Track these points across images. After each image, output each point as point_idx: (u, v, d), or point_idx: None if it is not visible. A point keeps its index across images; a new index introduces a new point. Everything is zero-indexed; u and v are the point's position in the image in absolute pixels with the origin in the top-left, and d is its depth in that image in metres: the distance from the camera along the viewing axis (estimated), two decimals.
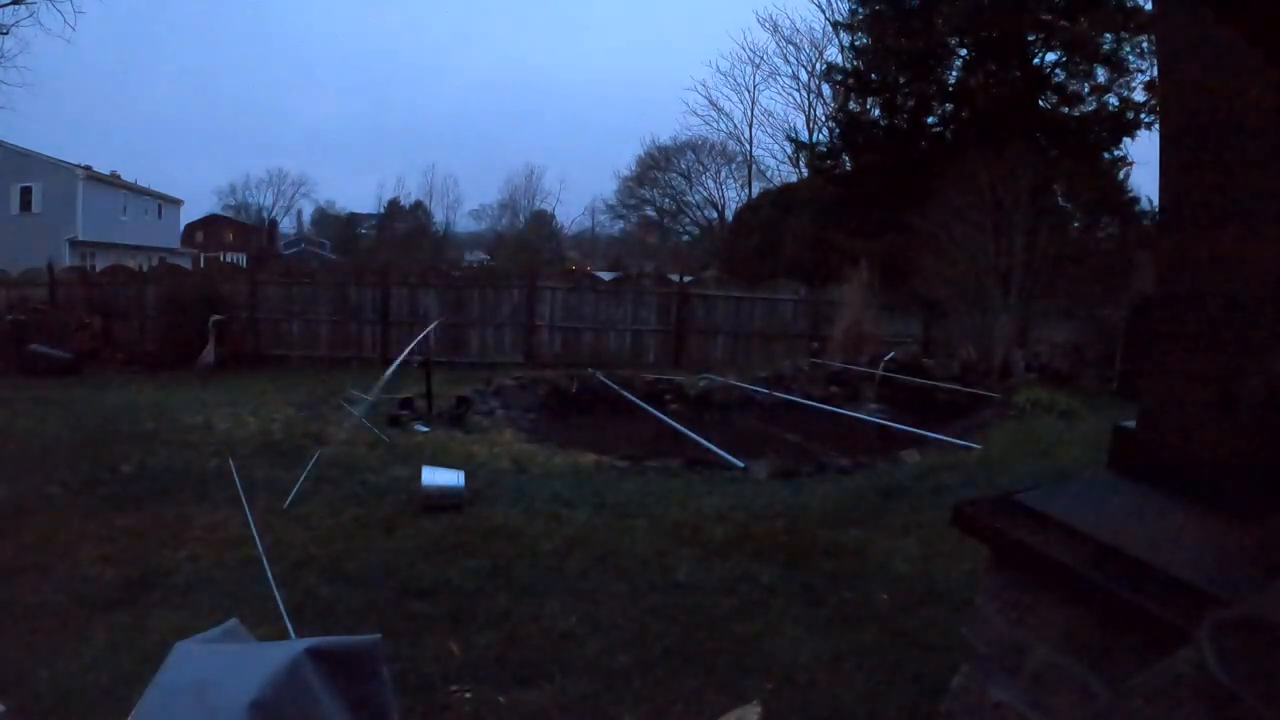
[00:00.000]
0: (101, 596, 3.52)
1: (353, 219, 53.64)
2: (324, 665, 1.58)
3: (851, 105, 18.46)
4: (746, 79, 36.37)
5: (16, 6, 11.92)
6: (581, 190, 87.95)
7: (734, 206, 31.66)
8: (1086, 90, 16.12)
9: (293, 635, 3.00)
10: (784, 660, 2.94)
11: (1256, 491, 1.44)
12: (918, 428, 7.72)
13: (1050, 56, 16.42)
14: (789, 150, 27.27)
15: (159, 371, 12.33)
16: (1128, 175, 15.99)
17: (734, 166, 34.15)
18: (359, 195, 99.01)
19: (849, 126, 18.30)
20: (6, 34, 12.15)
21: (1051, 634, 1.60)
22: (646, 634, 3.16)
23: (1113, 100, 15.92)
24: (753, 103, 31.89)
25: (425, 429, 7.23)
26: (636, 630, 3.19)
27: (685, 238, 38.82)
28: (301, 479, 5.31)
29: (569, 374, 11.04)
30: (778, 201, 21.74)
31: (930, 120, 17.52)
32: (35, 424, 6.84)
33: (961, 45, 16.78)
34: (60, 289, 14.02)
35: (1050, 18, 15.67)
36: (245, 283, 13.63)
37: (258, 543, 4.10)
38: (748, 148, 31.79)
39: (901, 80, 17.12)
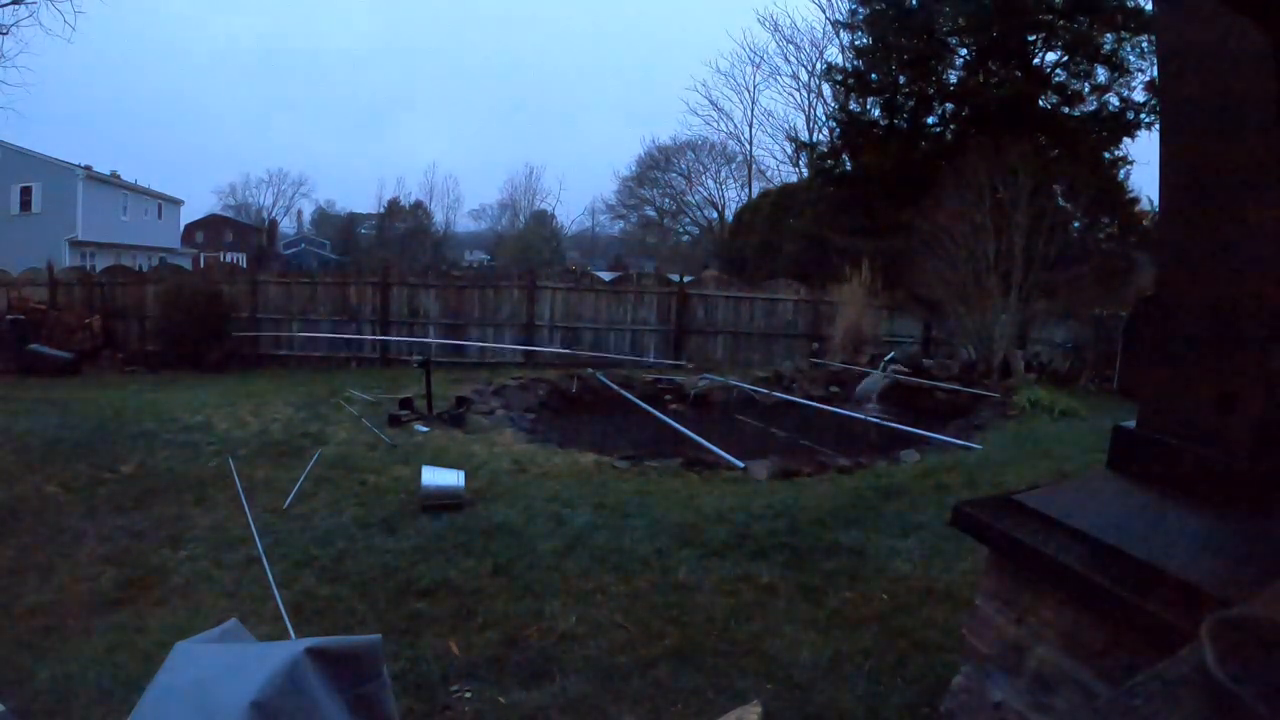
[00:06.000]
0: (101, 596, 3.53)
1: (353, 219, 53.65)
2: (324, 665, 1.58)
3: (852, 105, 18.44)
4: (746, 79, 36.58)
5: (16, 6, 11.94)
6: (581, 190, 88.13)
7: (734, 206, 31.72)
8: (1086, 90, 16.10)
9: (293, 635, 3.01)
10: (784, 660, 2.94)
11: (1255, 491, 1.44)
12: (918, 428, 7.72)
13: (1050, 56, 16.41)
14: (789, 150, 27.33)
15: (159, 371, 12.35)
16: (1128, 175, 15.98)
17: (734, 166, 34.24)
18: (359, 195, 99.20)
19: (849, 126, 18.27)
20: (6, 34, 12.16)
21: (1051, 634, 1.60)
22: (646, 634, 3.15)
23: (1113, 100, 15.92)
24: (753, 103, 32.12)
25: (425, 429, 7.23)
26: (636, 630, 3.19)
27: (685, 238, 38.84)
28: (301, 479, 5.32)
29: (569, 374, 11.05)
30: (778, 201, 21.74)
31: (930, 120, 17.50)
32: (35, 424, 6.83)
33: (961, 45, 16.77)
34: (60, 289, 14.03)
35: (1050, 18, 15.66)
36: (245, 283, 13.64)
37: (258, 543, 4.10)
38: (748, 148, 31.86)
39: (901, 80, 17.10)
